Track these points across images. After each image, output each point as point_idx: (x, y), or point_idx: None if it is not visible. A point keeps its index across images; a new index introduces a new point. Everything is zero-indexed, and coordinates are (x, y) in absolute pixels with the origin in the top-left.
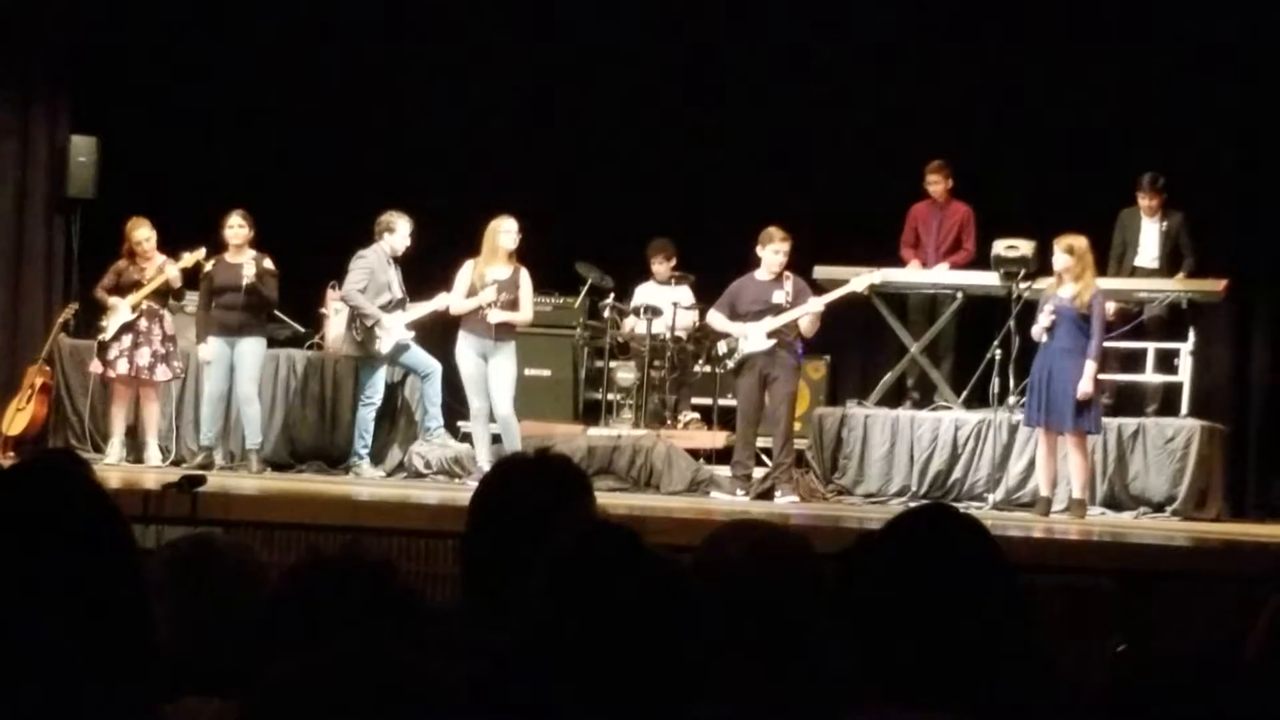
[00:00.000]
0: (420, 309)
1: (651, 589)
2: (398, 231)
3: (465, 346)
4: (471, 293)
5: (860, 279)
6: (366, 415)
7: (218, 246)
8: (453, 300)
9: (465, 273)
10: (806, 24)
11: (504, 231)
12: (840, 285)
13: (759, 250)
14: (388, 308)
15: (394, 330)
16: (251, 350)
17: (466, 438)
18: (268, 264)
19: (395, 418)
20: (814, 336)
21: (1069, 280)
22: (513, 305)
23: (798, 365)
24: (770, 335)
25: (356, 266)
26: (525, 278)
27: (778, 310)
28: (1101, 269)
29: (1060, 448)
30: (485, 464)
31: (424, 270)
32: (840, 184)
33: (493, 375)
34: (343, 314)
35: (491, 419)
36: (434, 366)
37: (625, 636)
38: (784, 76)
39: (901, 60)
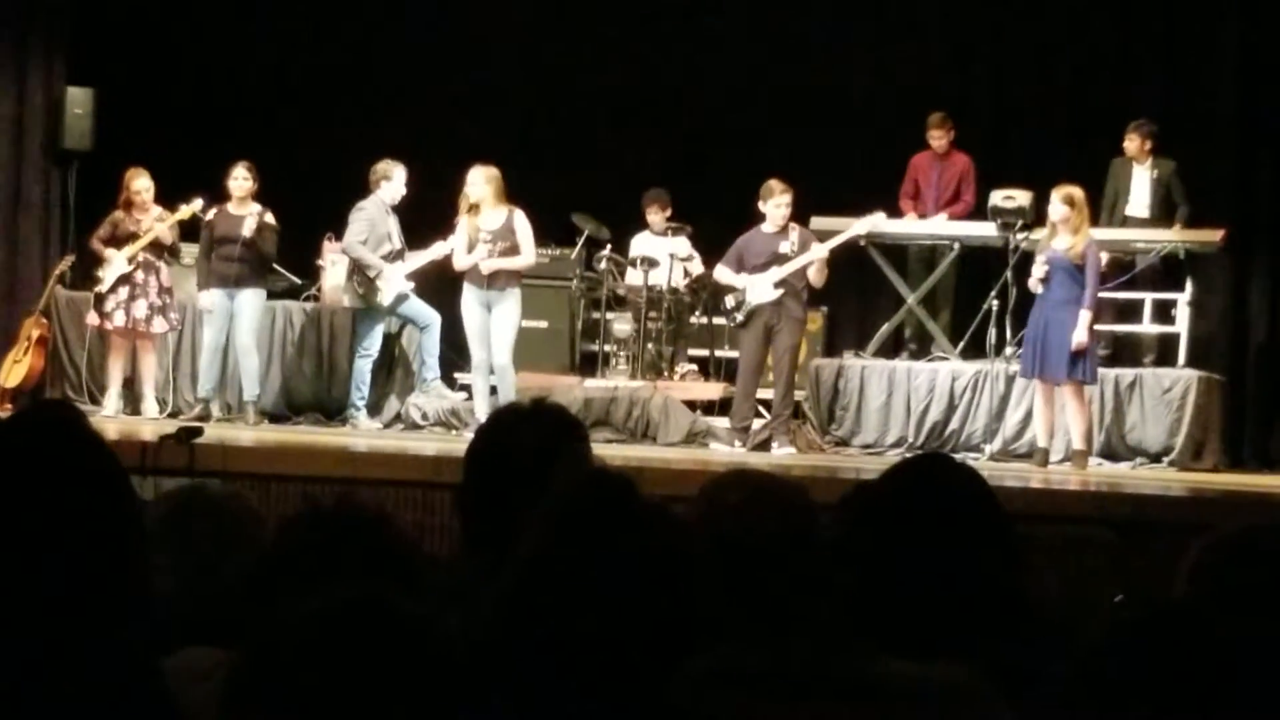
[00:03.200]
0: (419, 258)
1: (648, 537)
2: (394, 180)
3: (469, 297)
4: (470, 246)
5: (864, 221)
6: (364, 367)
7: (219, 197)
8: (454, 255)
9: (462, 227)
10: None
11: (467, 184)
12: (839, 234)
13: (761, 205)
14: (388, 258)
15: (395, 281)
16: (250, 302)
17: (465, 389)
18: (268, 218)
19: (392, 369)
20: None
21: (1065, 231)
22: (512, 251)
23: (803, 317)
24: (777, 285)
25: (356, 219)
26: (520, 220)
27: (783, 260)
28: (1094, 219)
29: (1058, 399)
30: (483, 416)
31: (423, 220)
32: (838, 135)
33: (494, 324)
34: (340, 265)
35: (491, 370)
36: (433, 317)
37: (622, 585)
38: (782, 25)
39: (899, 9)
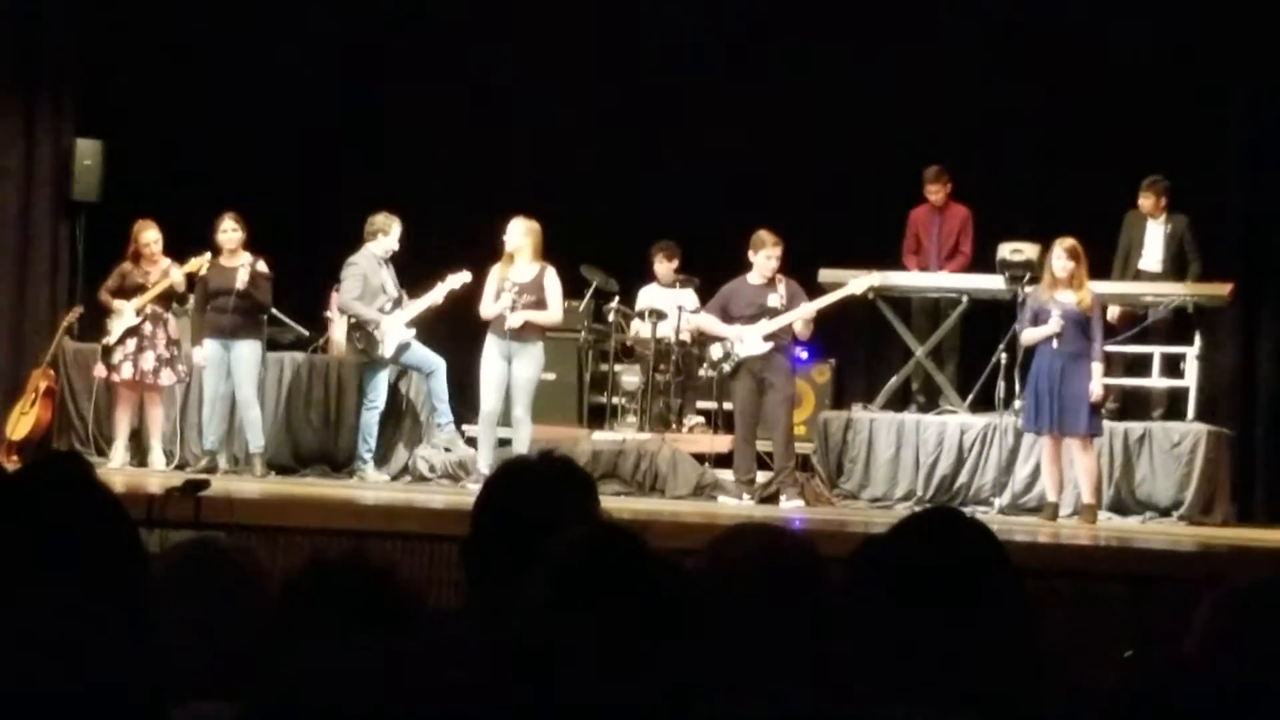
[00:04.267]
0: (419, 304)
1: (654, 590)
2: (390, 234)
3: (490, 347)
4: (497, 296)
5: (858, 281)
6: (370, 419)
7: (213, 249)
8: (482, 304)
9: (492, 277)
10: (808, 26)
11: (508, 233)
12: (836, 288)
13: (751, 255)
14: (385, 309)
15: (395, 331)
16: (248, 353)
17: (471, 441)
18: (261, 267)
19: (400, 420)
20: (819, 340)
21: (1069, 284)
22: (537, 306)
23: (792, 369)
24: (767, 338)
25: (349, 275)
26: (551, 276)
27: (773, 313)
28: (1106, 271)
29: (1065, 453)
30: (485, 468)
31: (429, 271)
32: (844, 187)
33: (514, 376)
34: (344, 320)
35: (503, 422)
36: (438, 363)
37: (628, 639)
38: (786, 78)
39: (903, 62)
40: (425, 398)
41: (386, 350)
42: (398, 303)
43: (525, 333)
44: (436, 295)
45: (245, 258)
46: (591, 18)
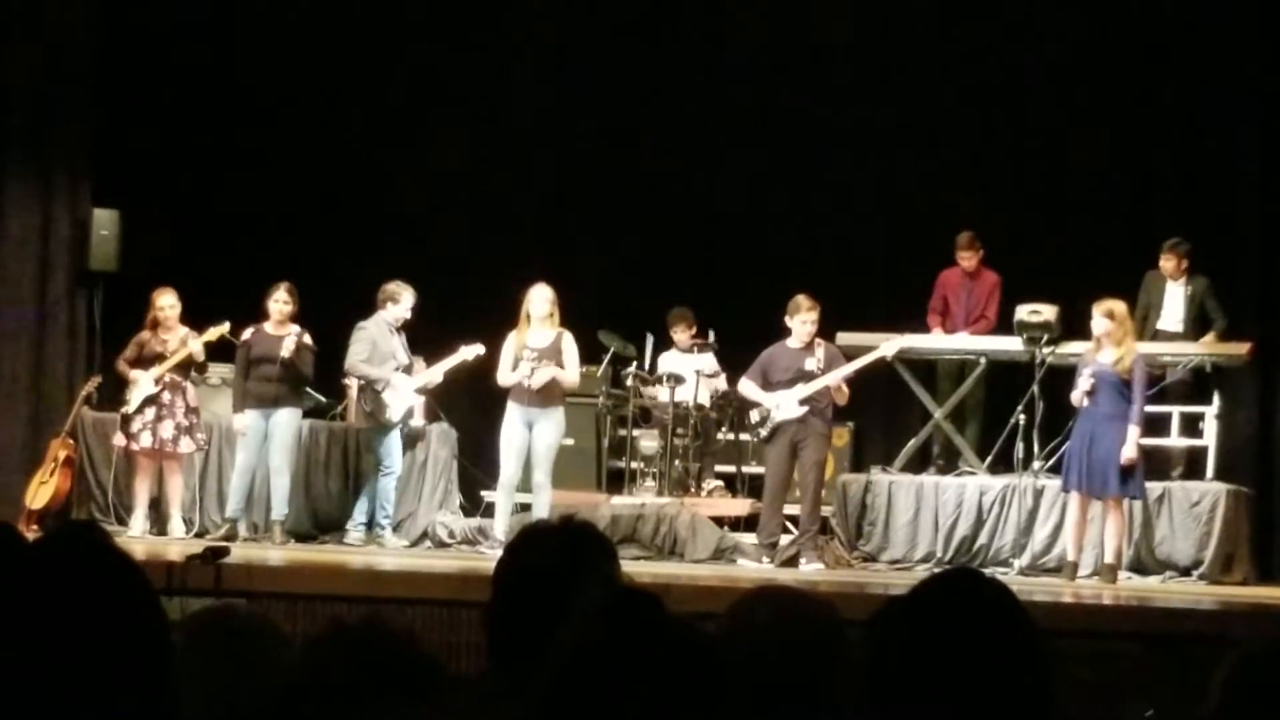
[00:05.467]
0: (428, 374)
1: (675, 656)
2: (401, 302)
3: (512, 414)
4: (515, 364)
5: (890, 344)
6: (388, 485)
7: (254, 316)
8: (499, 373)
9: (509, 345)
10: (830, 91)
11: (531, 300)
12: (865, 351)
13: (788, 320)
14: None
15: (403, 393)
16: (286, 421)
17: (489, 509)
18: (307, 339)
19: (418, 486)
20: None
21: (1109, 344)
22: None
23: (828, 433)
24: (803, 402)
25: (357, 339)
26: (568, 342)
27: (810, 377)
28: None
29: (1091, 512)
30: (502, 534)
31: (446, 339)
32: (863, 251)
33: (535, 442)
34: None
35: (523, 488)
36: (397, 465)
37: (649, 704)
38: (807, 143)
39: (924, 126)
40: (443, 465)
41: (394, 414)
42: (408, 370)
43: (547, 398)
44: (448, 365)
45: (293, 329)
46: (607, 82)
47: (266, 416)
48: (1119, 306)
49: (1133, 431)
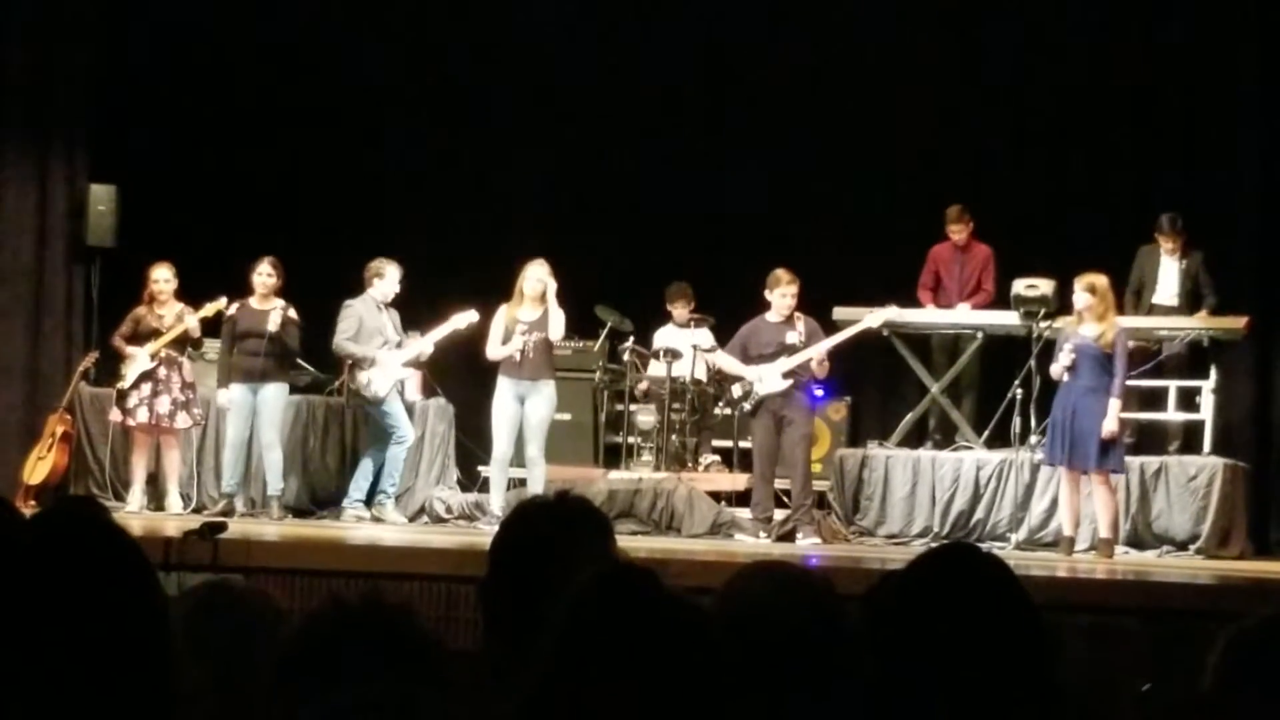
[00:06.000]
0: (419, 344)
1: (670, 629)
2: (386, 278)
3: (503, 389)
4: (506, 337)
5: (874, 316)
6: (398, 454)
7: (242, 291)
8: (488, 346)
9: (499, 318)
10: (825, 66)
11: (526, 275)
12: (850, 325)
13: (767, 294)
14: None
15: (390, 369)
16: (274, 396)
17: (486, 484)
18: (292, 313)
19: (415, 461)
20: (835, 377)
21: (1090, 319)
22: (546, 344)
23: (812, 407)
24: (786, 376)
25: (345, 315)
26: (555, 309)
27: (792, 351)
28: (1119, 306)
29: (1084, 487)
30: (498, 509)
31: (442, 313)
32: (857, 226)
33: (527, 416)
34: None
35: (516, 463)
36: (409, 433)
37: (643, 678)
38: (803, 118)
39: (919, 101)
40: (441, 440)
41: (379, 389)
42: (399, 346)
43: (538, 372)
44: (440, 334)
45: (278, 303)
46: (605, 59)
47: (254, 391)
48: (1100, 281)
49: (1113, 404)
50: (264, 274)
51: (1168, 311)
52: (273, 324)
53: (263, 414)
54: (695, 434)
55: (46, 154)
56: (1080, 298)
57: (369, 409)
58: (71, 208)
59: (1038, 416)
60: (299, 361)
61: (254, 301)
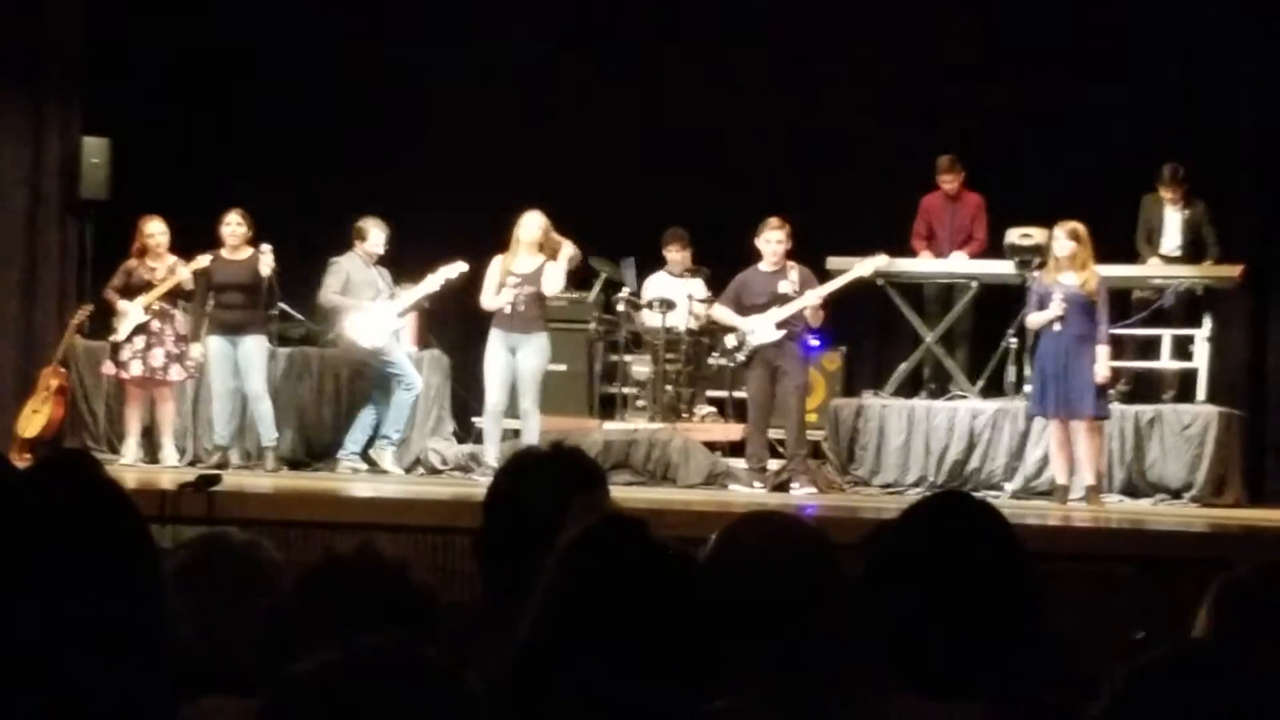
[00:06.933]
0: (410, 294)
1: (660, 580)
2: (370, 238)
3: (495, 340)
4: (499, 288)
5: (866, 263)
6: (405, 400)
7: (214, 244)
8: (482, 296)
9: (493, 269)
10: (818, 15)
11: (522, 224)
12: (843, 273)
13: (756, 241)
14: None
15: (383, 320)
16: (255, 348)
17: (482, 435)
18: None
19: (412, 413)
20: (830, 327)
21: (1072, 267)
22: (539, 298)
23: (806, 357)
24: (779, 326)
25: (331, 271)
26: (556, 268)
27: (784, 300)
28: (1120, 255)
29: (1073, 435)
30: (493, 461)
31: (430, 265)
32: (852, 176)
33: (520, 368)
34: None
35: (512, 414)
36: (417, 381)
37: (635, 628)
38: (797, 67)
39: (914, 50)
40: (436, 392)
41: (369, 339)
42: (392, 299)
43: (529, 323)
44: (430, 285)
45: (265, 247)
46: (600, 10)
47: (234, 343)
48: (1081, 228)
49: (1103, 351)
50: (233, 224)
51: (1170, 261)
52: (265, 267)
53: (246, 366)
54: (690, 384)
55: (40, 106)
56: (1064, 245)
57: (370, 361)
58: (65, 160)
59: (1032, 365)
60: (293, 314)
61: (225, 253)
